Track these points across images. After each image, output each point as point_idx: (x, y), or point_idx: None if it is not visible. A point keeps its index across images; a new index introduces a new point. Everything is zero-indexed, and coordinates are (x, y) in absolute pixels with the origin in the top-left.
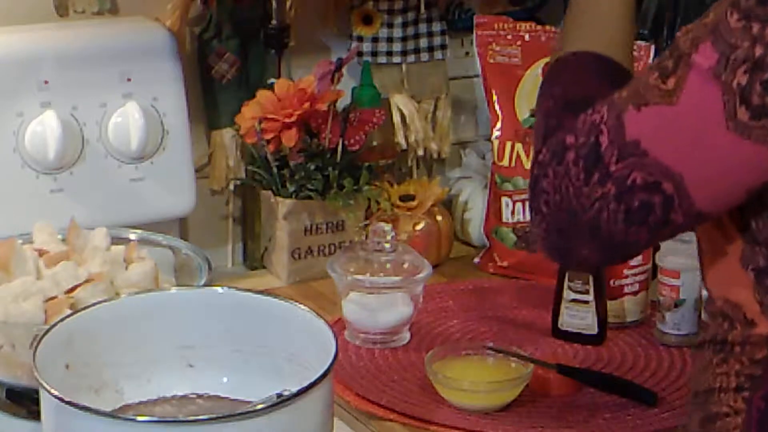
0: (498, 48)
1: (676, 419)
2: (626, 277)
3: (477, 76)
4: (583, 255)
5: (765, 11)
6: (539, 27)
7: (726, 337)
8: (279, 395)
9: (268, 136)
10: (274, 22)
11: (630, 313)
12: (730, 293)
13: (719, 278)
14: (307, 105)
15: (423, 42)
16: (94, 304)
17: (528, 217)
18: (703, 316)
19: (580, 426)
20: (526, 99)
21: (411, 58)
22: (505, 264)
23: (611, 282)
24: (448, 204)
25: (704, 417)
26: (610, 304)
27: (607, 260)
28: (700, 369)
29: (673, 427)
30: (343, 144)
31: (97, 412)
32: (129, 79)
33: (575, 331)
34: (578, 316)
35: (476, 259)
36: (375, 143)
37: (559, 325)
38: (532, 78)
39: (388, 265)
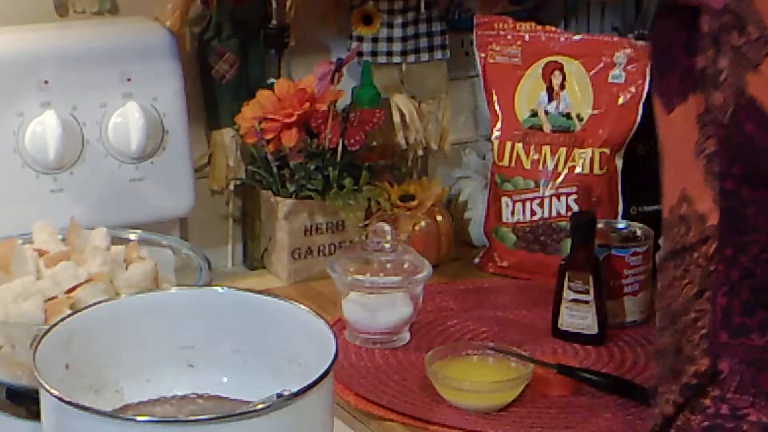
0: (498, 48)
1: None
2: (626, 277)
3: (477, 76)
4: None
5: None
6: (539, 27)
7: (684, 244)
8: (279, 395)
9: (268, 136)
10: (274, 22)
11: (630, 313)
12: (686, 189)
13: (676, 177)
14: (307, 105)
15: (423, 42)
16: (94, 304)
17: (528, 217)
18: (661, 239)
19: (580, 426)
20: (526, 99)
21: (411, 58)
22: (505, 264)
23: (611, 282)
24: (448, 204)
25: (674, 331)
26: (610, 304)
27: None
28: (664, 287)
29: None
30: (343, 144)
31: (97, 412)
32: (129, 79)
33: (575, 331)
34: (578, 316)
35: (476, 259)
36: (375, 143)
37: (559, 325)
38: (532, 78)
39: (388, 265)
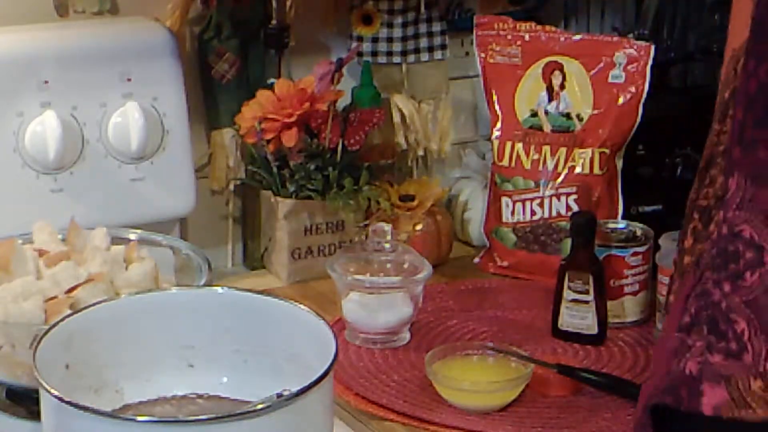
0: (498, 48)
1: None
2: (626, 277)
3: (477, 76)
4: None
5: None
6: (539, 27)
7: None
8: (279, 395)
9: (268, 136)
10: (274, 22)
11: (630, 313)
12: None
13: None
14: (307, 105)
15: (423, 42)
16: (94, 304)
17: (528, 217)
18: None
19: (580, 426)
20: (526, 99)
21: (411, 58)
22: (505, 264)
23: (611, 282)
24: (448, 204)
25: (704, 161)
26: (610, 304)
27: None
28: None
29: None
30: (343, 144)
31: (97, 412)
32: (129, 79)
33: (575, 331)
34: (578, 316)
35: (476, 259)
36: (375, 143)
37: (559, 325)
38: (532, 78)
39: (388, 265)
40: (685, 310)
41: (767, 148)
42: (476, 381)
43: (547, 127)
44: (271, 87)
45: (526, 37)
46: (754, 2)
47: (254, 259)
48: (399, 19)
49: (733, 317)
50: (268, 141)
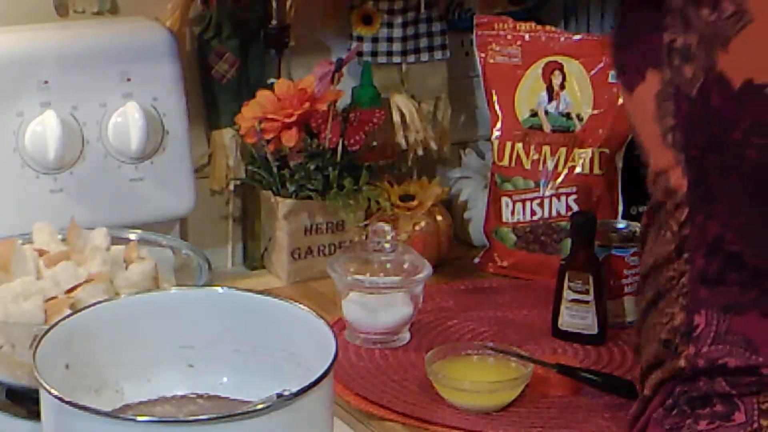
0: (498, 48)
1: None
2: (626, 277)
3: (477, 76)
4: None
5: None
6: (539, 27)
7: (658, 199)
8: (279, 395)
9: (268, 136)
10: (274, 22)
11: (630, 313)
12: (657, 161)
13: (648, 149)
14: (307, 105)
15: (423, 42)
16: (94, 304)
17: (528, 217)
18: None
19: (580, 426)
20: (526, 99)
21: (411, 58)
22: (505, 264)
23: (611, 282)
24: (448, 204)
25: (654, 288)
26: (610, 304)
27: None
28: (646, 252)
29: None
30: (343, 144)
31: (97, 412)
32: (129, 79)
33: (575, 331)
34: (578, 316)
35: (476, 259)
36: (375, 143)
37: (559, 325)
38: (532, 78)
39: (388, 265)
40: None
41: (734, 283)
42: (476, 381)
43: (547, 127)
44: (271, 87)
45: (526, 37)
46: (683, 160)
47: (254, 259)
48: (399, 19)
49: None
50: (268, 141)
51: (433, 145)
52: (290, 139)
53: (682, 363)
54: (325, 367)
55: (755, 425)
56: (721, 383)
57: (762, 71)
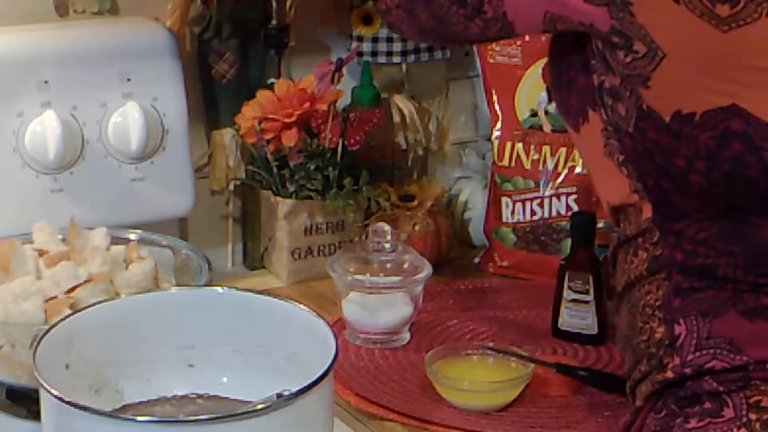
0: (498, 48)
1: None
2: None
3: (477, 76)
4: (422, 21)
5: None
6: None
7: (626, 232)
8: (279, 395)
9: (268, 136)
10: (274, 22)
11: None
12: (614, 194)
13: (603, 183)
14: (307, 105)
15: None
16: (94, 304)
17: (527, 217)
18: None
19: (579, 426)
20: (526, 99)
21: (411, 58)
22: (505, 264)
23: (611, 282)
24: (448, 204)
25: (631, 306)
26: (610, 304)
27: (438, 35)
28: (619, 272)
29: None
30: (343, 144)
31: (97, 412)
32: (129, 79)
33: (575, 331)
34: (578, 316)
35: (476, 259)
36: (375, 143)
37: (559, 325)
38: (532, 78)
39: (388, 265)
40: None
41: (707, 288)
42: (476, 381)
43: (547, 127)
44: (271, 87)
45: (526, 37)
46: (641, 188)
47: (254, 259)
48: None
49: None
50: (268, 141)
51: (433, 145)
52: (290, 139)
53: (669, 375)
54: (325, 367)
55: (744, 419)
56: (709, 381)
57: (686, 101)
